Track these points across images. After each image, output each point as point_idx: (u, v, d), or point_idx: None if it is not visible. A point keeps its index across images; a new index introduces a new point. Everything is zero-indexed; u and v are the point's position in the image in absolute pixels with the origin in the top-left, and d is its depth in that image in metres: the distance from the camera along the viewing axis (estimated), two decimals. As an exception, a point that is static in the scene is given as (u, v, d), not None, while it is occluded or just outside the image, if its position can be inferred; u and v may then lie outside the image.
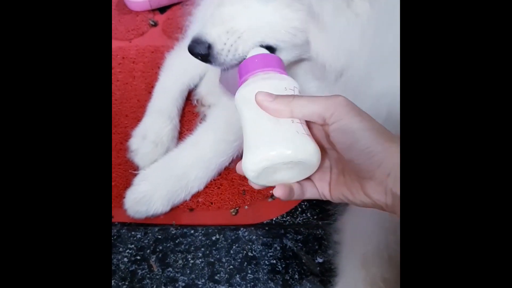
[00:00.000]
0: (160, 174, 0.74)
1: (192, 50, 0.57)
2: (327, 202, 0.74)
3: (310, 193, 0.45)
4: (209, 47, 0.56)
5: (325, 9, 0.52)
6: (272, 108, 0.41)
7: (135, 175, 0.76)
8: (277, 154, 0.39)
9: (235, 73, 0.51)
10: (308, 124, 0.43)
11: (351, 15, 0.52)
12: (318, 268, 0.67)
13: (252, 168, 0.41)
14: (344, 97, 0.40)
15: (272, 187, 0.75)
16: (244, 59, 0.50)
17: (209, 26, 0.57)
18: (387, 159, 0.37)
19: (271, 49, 0.57)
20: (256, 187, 0.45)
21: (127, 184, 0.75)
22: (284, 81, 0.44)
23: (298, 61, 0.62)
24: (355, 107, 0.40)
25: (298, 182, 0.44)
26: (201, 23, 0.59)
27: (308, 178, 0.44)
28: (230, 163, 0.78)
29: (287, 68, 0.57)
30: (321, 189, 0.45)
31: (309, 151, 0.40)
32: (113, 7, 1.09)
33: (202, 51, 0.57)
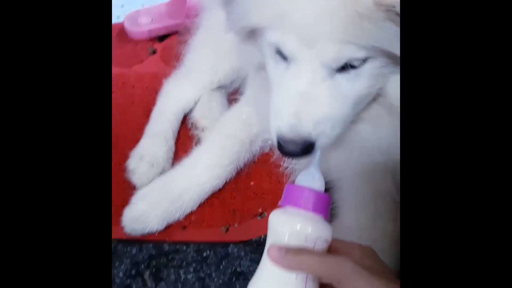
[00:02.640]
0: (157, 195, 0.78)
1: (289, 151, 0.56)
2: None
3: None
4: (310, 144, 0.55)
5: None
6: (280, 263, 0.42)
7: (132, 194, 0.80)
8: None
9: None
10: None
11: None
12: (302, 283, 0.70)
13: None
14: (352, 261, 0.41)
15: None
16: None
17: (308, 125, 0.55)
18: None
19: None
20: None
21: (125, 202, 0.80)
22: (309, 230, 0.44)
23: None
24: (363, 271, 0.40)
25: None
26: (288, 121, 0.55)
27: None
28: (223, 185, 0.83)
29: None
30: None
31: None
32: (114, 35, 1.15)
33: (302, 149, 0.55)
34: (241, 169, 0.85)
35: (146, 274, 0.73)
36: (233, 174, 0.84)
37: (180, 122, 0.93)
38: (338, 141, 0.63)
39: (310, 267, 0.42)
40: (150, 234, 0.77)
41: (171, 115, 0.91)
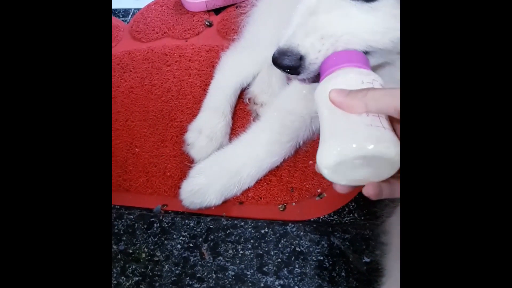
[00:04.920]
0: (215, 169, 0.77)
1: (279, 62, 0.53)
2: (375, 204, 0.76)
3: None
4: (301, 58, 0.52)
5: None
6: (345, 104, 0.41)
7: (190, 167, 0.80)
8: (346, 148, 0.39)
9: None
10: (392, 118, 0.41)
11: None
12: (365, 268, 0.68)
13: (325, 163, 0.41)
14: None
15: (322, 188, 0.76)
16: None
17: (300, 36, 0.52)
18: None
19: (366, 53, 0.55)
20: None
21: (182, 175, 0.80)
22: (362, 75, 0.44)
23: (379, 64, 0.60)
24: None
25: (387, 180, 0.42)
26: (287, 34, 0.53)
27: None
28: (281, 163, 0.81)
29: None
30: None
31: (383, 146, 0.39)
32: (170, 7, 1.14)
33: (293, 63, 0.52)
34: (300, 146, 0.82)
35: (204, 248, 0.73)
36: (292, 152, 0.81)
37: (237, 96, 0.91)
38: None
39: (376, 100, 0.40)
40: (207, 208, 0.77)
41: (229, 89, 0.90)
